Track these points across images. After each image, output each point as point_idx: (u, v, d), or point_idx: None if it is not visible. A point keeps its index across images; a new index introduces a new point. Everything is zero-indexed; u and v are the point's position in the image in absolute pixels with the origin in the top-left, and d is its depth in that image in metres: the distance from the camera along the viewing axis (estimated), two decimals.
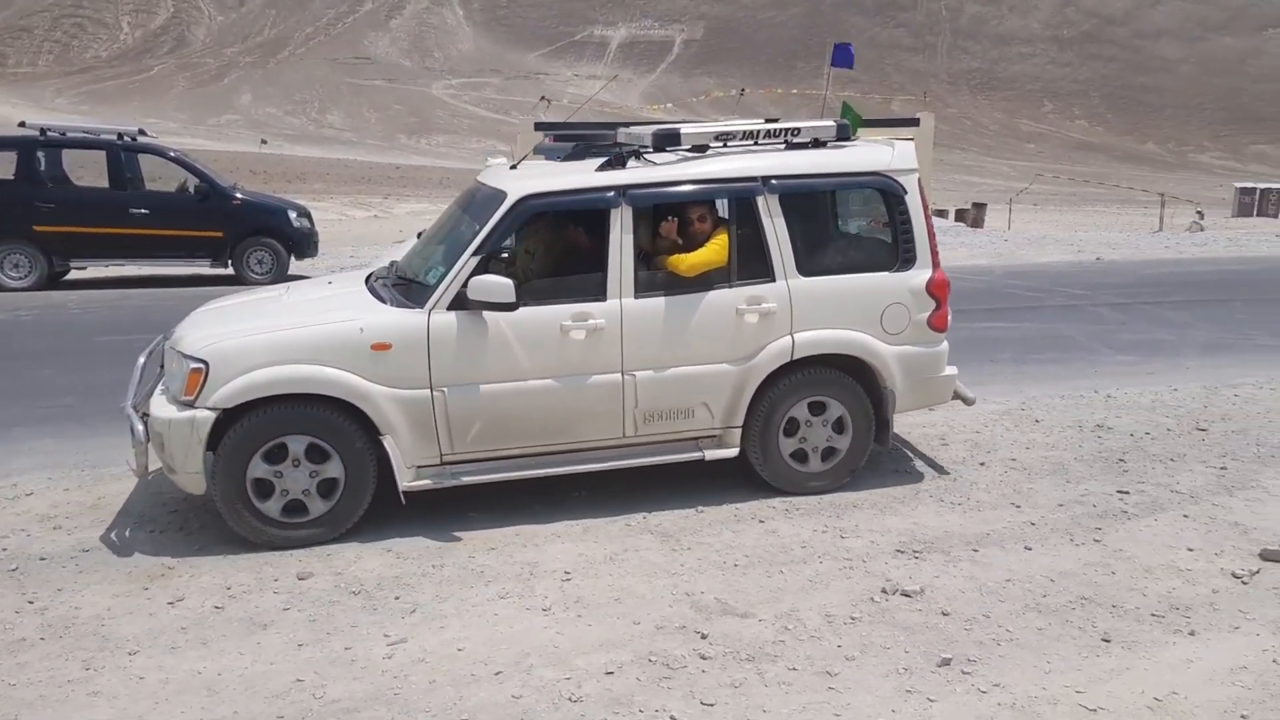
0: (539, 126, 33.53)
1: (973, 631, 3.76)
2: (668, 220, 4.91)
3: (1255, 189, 35.99)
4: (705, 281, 4.86)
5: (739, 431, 5.00)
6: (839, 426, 5.16)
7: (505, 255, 4.94)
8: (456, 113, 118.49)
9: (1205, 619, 3.88)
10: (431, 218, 30.26)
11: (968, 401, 5.57)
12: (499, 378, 4.61)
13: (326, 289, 5.32)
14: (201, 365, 4.34)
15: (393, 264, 5.35)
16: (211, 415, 4.32)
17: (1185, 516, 4.93)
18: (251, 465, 4.39)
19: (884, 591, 4.10)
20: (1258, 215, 33.57)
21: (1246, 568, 4.32)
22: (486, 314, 4.53)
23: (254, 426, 4.37)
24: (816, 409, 5.11)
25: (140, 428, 4.46)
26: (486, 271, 4.55)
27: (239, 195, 13.42)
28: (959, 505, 5.10)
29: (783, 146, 5.10)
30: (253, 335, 4.47)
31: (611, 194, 4.73)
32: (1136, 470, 5.61)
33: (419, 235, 5.86)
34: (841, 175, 5.12)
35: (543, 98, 27.63)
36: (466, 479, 4.65)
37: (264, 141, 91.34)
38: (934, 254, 5.15)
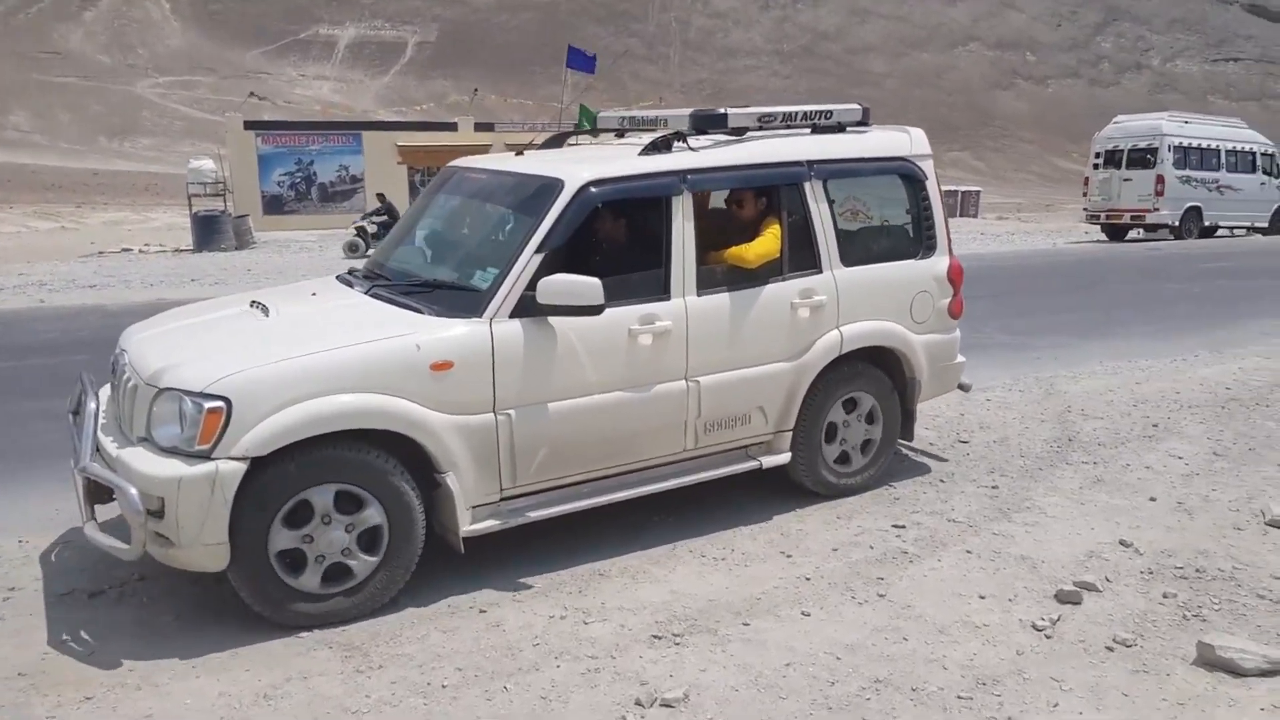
0: (249, 125, 31.03)
1: None
2: (735, 206, 4.69)
3: (957, 191, 39.06)
4: (762, 274, 4.51)
5: (790, 435, 4.69)
6: (871, 422, 4.99)
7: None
8: (165, 113, 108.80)
9: (1018, 696, 3.19)
10: (134, 228, 26.96)
11: (965, 388, 5.51)
12: (566, 394, 4.00)
13: (320, 301, 4.43)
14: (222, 404, 3.38)
15: (366, 269, 4.73)
16: (240, 467, 3.38)
17: (969, 553, 4.33)
18: (275, 528, 3.51)
19: (639, 704, 3.13)
20: (960, 215, 36.37)
21: (1046, 615, 3.72)
22: (554, 321, 3.91)
23: (278, 478, 3.47)
24: (850, 405, 4.91)
25: (133, 494, 3.31)
26: (552, 271, 3.85)
27: None
28: (722, 561, 4.25)
29: (808, 130, 4.86)
30: (281, 362, 3.54)
31: (673, 179, 4.25)
32: (908, 497, 5.01)
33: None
34: (872, 160, 4.95)
35: (251, 94, 25.22)
36: (533, 515, 4.01)
37: None
38: (949, 240, 5.13)
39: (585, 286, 3.78)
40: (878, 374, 4.95)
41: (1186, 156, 21.53)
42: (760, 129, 4.71)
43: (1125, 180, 21.78)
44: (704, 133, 4.61)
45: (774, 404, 4.59)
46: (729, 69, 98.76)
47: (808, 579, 4.06)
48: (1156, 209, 21.29)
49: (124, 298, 13.39)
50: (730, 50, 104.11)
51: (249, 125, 30.07)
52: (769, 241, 4.54)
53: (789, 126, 4.83)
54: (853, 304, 4.73)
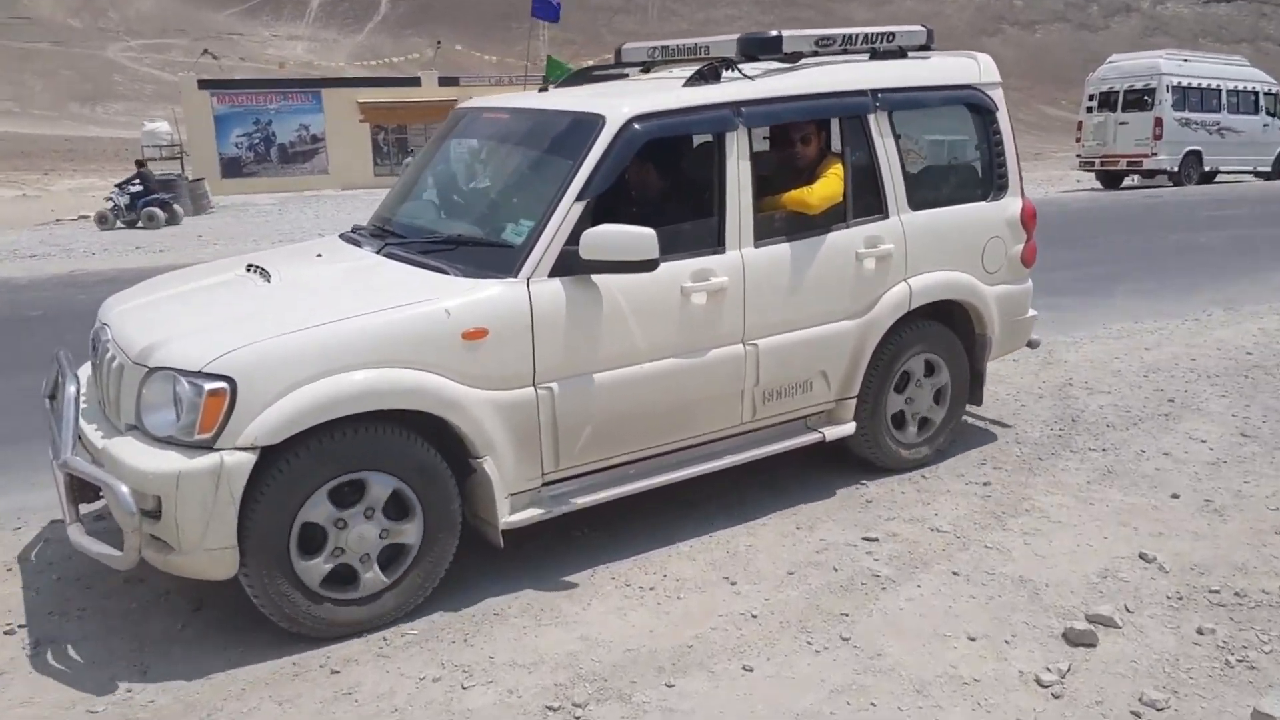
0: (203, 84, 29.74)
1: None
2: (791, 143, 4.18)
3: None
4: (823, 222, 4.02)
5: (853, 403, 4.22)
6: (939, 386, 4.53)
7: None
8: (138, 77, 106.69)
9: None
10: (100, 195, 25.88)
11: (1033, 345, 5.05)
12: (613, 362, 3.51)
13: (327, 263, 3.90)
14: (224, 386, 2.90)
15: (373, 226, 4.23)
16: (249, 458, 2.91)
17: (955, 574, 3.51)
18: (295, 529, 3.02)
19: None
20: None
21: (1052, 664, 2.93)
22: (599, 279, 3.43)
23: (294, 471, 2.98)
24: (917, 368, 4.44)
25: (124, 493, 2.82)
26: (595, 221, 3.37)
27: None
28: (650, 592, 3.42)
29: (867, 56, 4.39)
30: (291, 334, 3.04)
31: (727, 112, 3.75)
32: (882, 499, 4.19)
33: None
34: (938, 89, 4.47)
35: (205, 51, 24.03)
36: (580, 502, 3.51)
37: None
38: (1020, 179, 4.66)
39: (637, 238, 3.28)
40: (946, 332, 4.49)
41: (1186, 97, 20.56)
42: (816, 55, 4.19)
43: (1121, 124, 20.81)
44: (753, 60, 4.09)
45: (837, 368, 4.13)
46: (708, 20, 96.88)
47: (754, 616, 3.23)
48: (1154, 154, 20.36)
49: (42, 269, 12.46)
50: (709, 1, 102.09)
51: (203, 84, 28.77)
52: (832, 183, 4.04)
53: (846, 51, 4.32)
54: (921, 253, 4.27)
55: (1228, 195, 18.46)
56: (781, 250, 3.90)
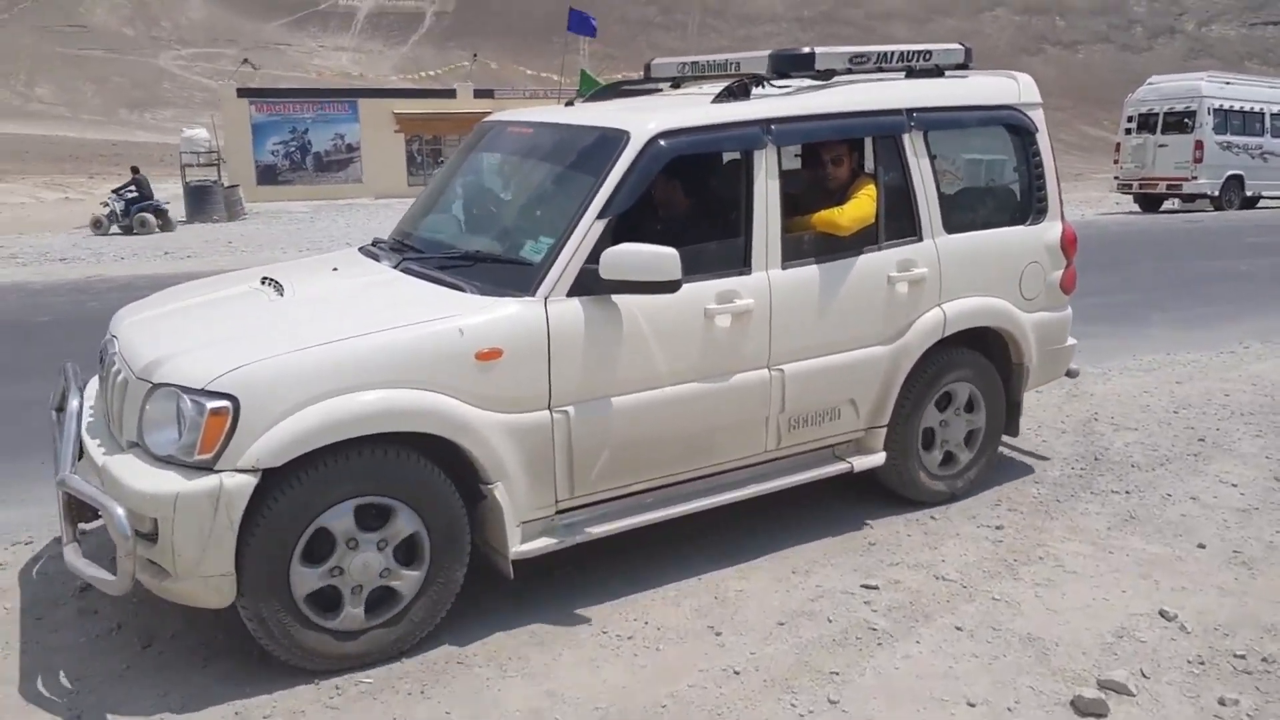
0: (241, 93, 30.02)
1: None
2: (822, 162, 4.06)
3: None
4: (854, 243, 3.89)
5: (884, 432, 4.07)
6: (974, 417, 4.37)
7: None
8: (187, 85, 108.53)
9: None
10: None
11: (1073, 375, 4.88)
12: (632, 386, 3.39)
13: (342, 277, 3.80)
14: (227, 404, 2.80)
15: (393, 240, 4.12)
16: (249, 481, 2.80)
17: (959, 629, 3.28)
18: (296, 556, 2.89)
19: None
20: None
21: None
22: (619, 300, 3.30)
23: (296, 494, 2.86)
24: (950, 397, 4.30)
25: (120, 515, 2.72)
26: (616, 240, 3.27)
27: None
28: (628, 641, 3.22)
29: (902, 75, 4.26)
30: (298, 352, 2.93)
31: (756, 130, 3.64)
32: (886, 542, 3.95)
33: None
34: (976, 109, 4.34)
35: (245, 60, 24.24)
36: (595, 531, 3.38)
37: None
38: (1060, 203, 4.53)
39: (659, 258, 3.17)
40: (982, 360, 4.34)
41: (1227, 120, 20.05)
42: (850, 72, 4.09)
43: (1160, 146, 20.33)
44: (785, 76, 4.00)
45: (867, 396, 3.98)
46: (748, 36, 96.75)
47: (736, 673, 3.02)
48: (1194, 177, 19.85)
49: (61, 274, 12.51)
50: (750, 17, 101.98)
51: (242, 93, 29.03)
52: (864, 204, 3.92)
53: (881, 69, 4.20)
54: (956, 277, 4.14)
55: (1271, 221, 17.94)
56: (810, 272, 3.77)
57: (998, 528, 4.07)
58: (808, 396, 3.80)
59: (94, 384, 3.69)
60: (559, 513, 3.36)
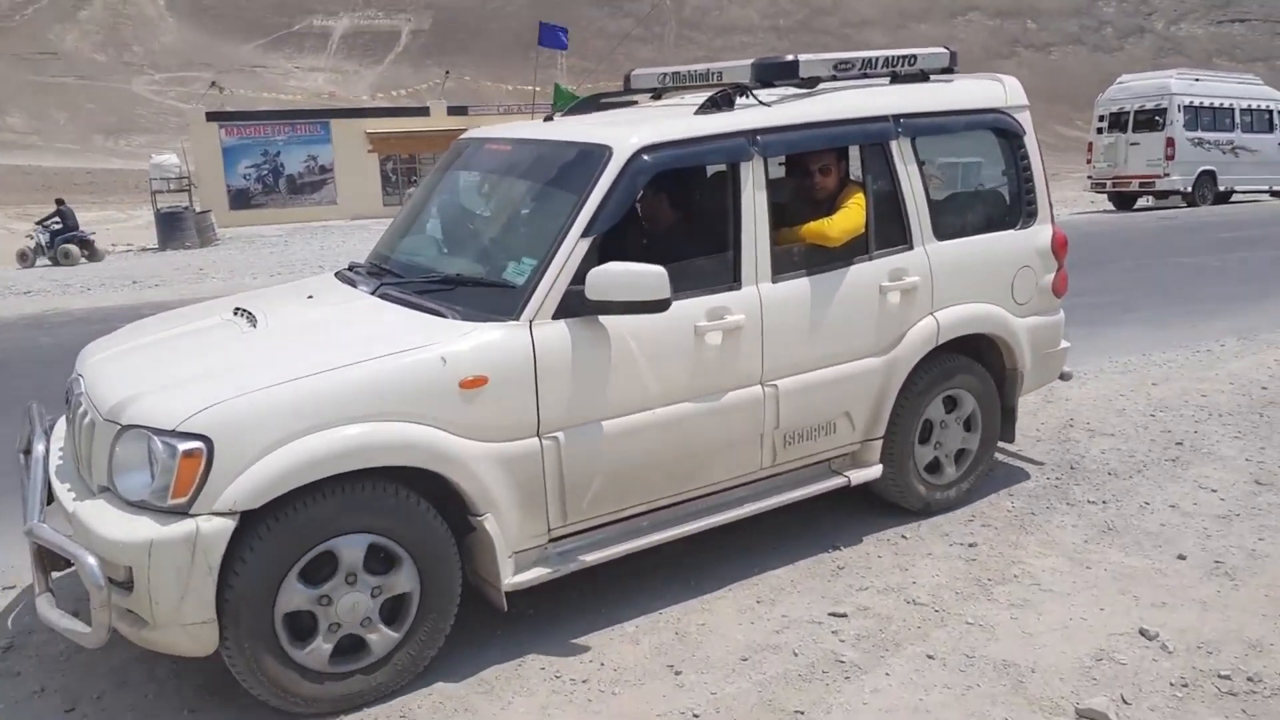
0: (211, 116, 29.78)
1: None
2: (809, 172, 4.01)
3: None
4: (845, 254, 3.83)
5: (879, 445, 4.02)
6: (969, 424, 4.33)
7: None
8: (161, 110, 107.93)
9: None
10: (115, 227, 26.09)
11: (1065, 378, 4.83)
12: (623, 409, 3.30)
13: (318, 305, 3.66)
14: (200, 445, 2.67)
15: (370, 264, 4.01)
16: (227, 525, 2.68)
17: (930, 658, 3.13)
18: (279, 600, 2.78)
19: None
20: None
21: None
22: (606, 321, 3.21)
23: (275, 535, 2.74)
24: (946, 405, 4.25)
25: (92, 564, 2.61)
26: (602, 259, 3.17)
27: None
28: (582, 685, 3.05)
29: (887, 80, 4.21)
30: (273, 388, 2.81)
31: (742, 141, 3.55)
32: (855, 564, 3.81)
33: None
34: (963, 113, 4.26)
35: (213, 84, 24.04)
36: (589, 559, 3.29)
37: None
38: (1050, 205, 4.47)
39: (647, 277, 3.07)
40: (976, 366, 4.29)
41: (1198, 117, 20.10)
42: (834, 79, 4.04)
43: (1132, 144, 20.36)
44: (769, 85, 3.92)
45: (862, 408, 3.92)
46: (725, 46, 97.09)
47: (695, 716, 2.86)
48: (1167, 174, 19.88)
49: (20, 308, 12.25)
50: (726, 27, 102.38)
51: (211, 116, 28.80)
52: (853, 213, 3.86)
53: (866, 75, 4.16)
54: (948, 285, 4.09)
55: (1244, 215, 17.95)
56: (801, 285, 3.70)
57: (971, 545, 3.93)
58: (802, 411, 3.73)
59: (62, 425, 3.55)
60: (552, 541, 3.28)
